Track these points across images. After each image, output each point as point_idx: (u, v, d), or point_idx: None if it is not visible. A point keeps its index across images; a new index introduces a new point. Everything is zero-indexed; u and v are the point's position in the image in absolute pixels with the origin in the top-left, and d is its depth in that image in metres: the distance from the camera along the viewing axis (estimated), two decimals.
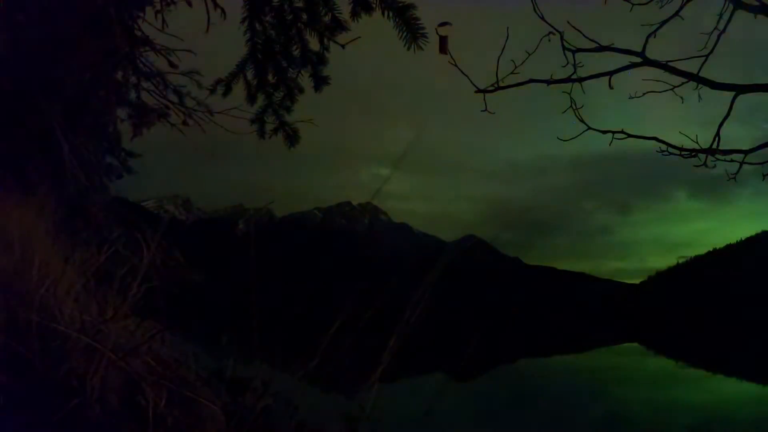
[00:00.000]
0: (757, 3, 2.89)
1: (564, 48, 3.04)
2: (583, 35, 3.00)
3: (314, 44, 3.94)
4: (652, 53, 3.02)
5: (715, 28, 3.21)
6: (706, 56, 3.22)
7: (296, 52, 4.03)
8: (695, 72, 3.09)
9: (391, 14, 3.03)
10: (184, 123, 5.10)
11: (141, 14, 4.34)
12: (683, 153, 3.16)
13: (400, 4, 3.01)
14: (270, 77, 4.17)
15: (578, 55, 3.07)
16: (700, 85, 3.05)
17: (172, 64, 4.89)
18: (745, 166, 3.15)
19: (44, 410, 1.51)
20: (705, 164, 3.19)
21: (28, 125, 4.05)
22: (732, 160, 3.15)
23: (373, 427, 1.67)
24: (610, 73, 3.11)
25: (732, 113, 3.12)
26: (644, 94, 3.33)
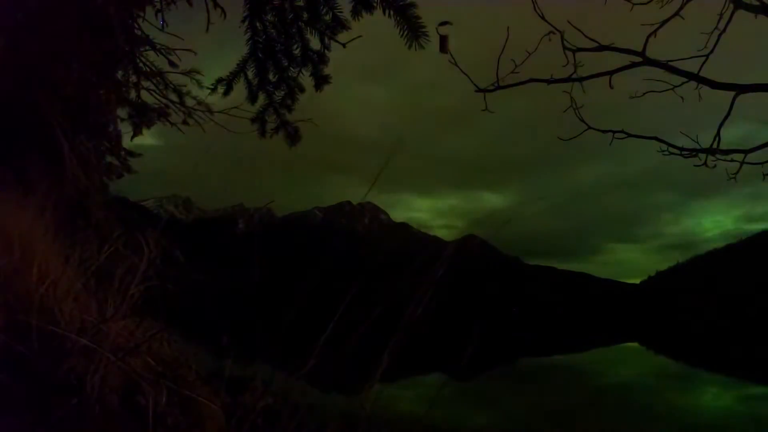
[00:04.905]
0: (757, 3, 2.89)
1: (564, 47, 3.03)
2: (584, 35, 2.99)
3: (315, 43, 3.95)
4: (652, 53, 3.01)
5: (715, 28, 3.21)
6: (707, 56, 3.22)
7: (297, 51, 4.02)
8: (695, 72, 3.08)
9: (392, 13, 3.03)
10: (184, 122, 5.10)
11: (141, 14, 4.34)
12: (683, 153, 3.16)
13: (401, 3, 3.01)
14: (271, 76, 4.17)
15: (578, 55, 3.07)
16: (700, 85, 3.05)
17: (172, 64, 4.89)
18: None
19: (44, 410, 1.51)
20: (705, 164, 3.19)
21: (28, 125, 4.04)
22: (732, 160, 3.15)
23: (373, 427, 1.67)
24: (610, 73, 3.10)
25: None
26: (644, 94, 3.33)
